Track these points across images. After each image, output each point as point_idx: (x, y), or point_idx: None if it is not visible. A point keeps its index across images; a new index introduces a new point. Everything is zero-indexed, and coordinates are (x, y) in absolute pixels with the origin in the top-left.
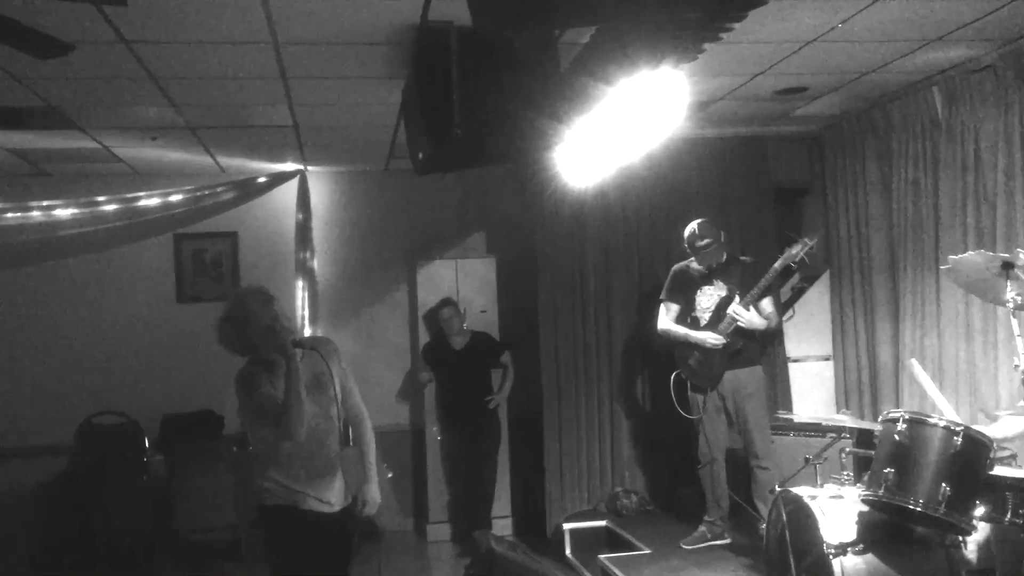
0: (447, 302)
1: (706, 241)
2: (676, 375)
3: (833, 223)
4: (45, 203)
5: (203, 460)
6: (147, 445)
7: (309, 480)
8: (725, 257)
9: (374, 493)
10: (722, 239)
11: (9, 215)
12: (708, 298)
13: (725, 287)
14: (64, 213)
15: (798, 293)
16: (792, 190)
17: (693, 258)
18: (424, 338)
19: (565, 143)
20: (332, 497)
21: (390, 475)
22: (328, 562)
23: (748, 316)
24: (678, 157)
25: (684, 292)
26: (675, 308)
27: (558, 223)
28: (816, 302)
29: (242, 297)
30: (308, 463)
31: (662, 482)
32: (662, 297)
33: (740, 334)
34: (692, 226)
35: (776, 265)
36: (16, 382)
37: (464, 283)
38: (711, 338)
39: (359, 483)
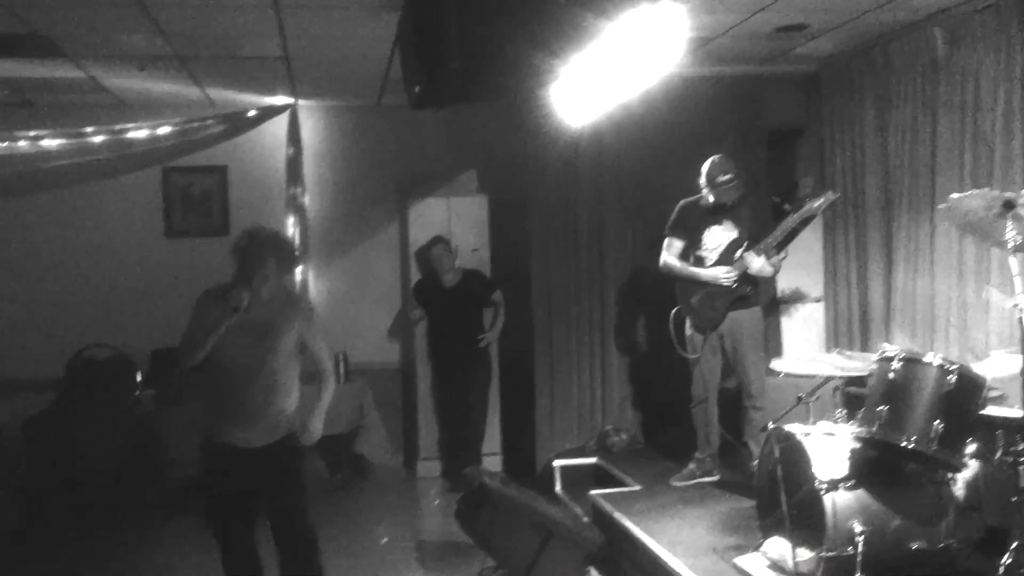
0: (438, 240)
1: (728, 176)
2: (676, 312)
3: (828, 165)
4: (32, 133)
5: (192, 395)
6: (138, 379)
7: (226, 414)
8: (739, 196)
9: (316, 425)
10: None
11: None
12: (715, 238)
13: (734, 228)
14: (51, 144)
15: (791, 235)
16: (787, 131)
17: (705, 194)
18: (415, 276)
19: (561, 80)
20: (251, 437)
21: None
22: (241, 493)
23: (759, 264)
24: (674, 96)
25: (689, 229)
26: (678, 244)
27: (551, 161)
28: (809, 244)
29: (269, 234)
30: (228, 399)
31: (653, 420)
32: (666, 232)
33: (745, 279)
34: (713, 160)
35: (795, 215)
36: (4, 314)
37: (456, 221)
38: (723, 273)
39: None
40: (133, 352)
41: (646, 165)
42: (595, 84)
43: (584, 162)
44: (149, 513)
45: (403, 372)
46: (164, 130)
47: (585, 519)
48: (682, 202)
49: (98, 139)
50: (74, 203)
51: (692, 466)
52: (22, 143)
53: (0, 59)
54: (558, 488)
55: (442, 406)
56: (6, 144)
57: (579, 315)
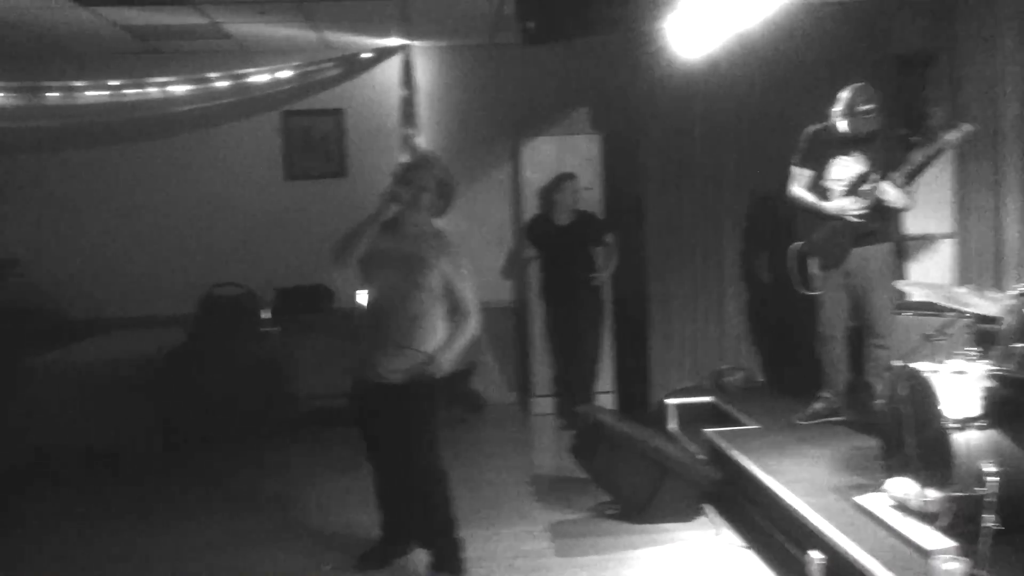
0: (570, 175)
1: (870, 107)
2: (797, 248)
3: (960, 93)
4: (161, 79)
5: (315, 331)
6: (263, 317)
7: (372, 350)
8: (875, 129)
9: (446, 357)
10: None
11: (127, 91)
12: (842, 169)
13: (864, 162)
14: (179, 89)
15: (921, 168)
16: (916, 57)
17: (839, 123)
18: (528, 215)
19: (676, 11)
20: (390, 372)
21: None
22: (380, 425)
23: (895, 195)
24: (796, 24)
25: (818, 158)
26: (807, 174)
27: (666, 96)
28: (937, 177)
29: (440, 165)
30: (374, 332)
31: (770, 359)
32: (794, 161)
33: (875, 213)
34: (856, 87)
35: (929, 148)
36: (136, 254)
37: (568, 160)
38: (852, 205)
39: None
40: (259, 290)
41: (766, 98)
42: (712, 15)
43: (700, 96)
44: (277, 441)
45: (516, 310)
46: (284, 74)
47: (700, 457)
48: (810, 129)
49: (222, 84)
50: (200, 148)
51: (817, 405)
52: (152, 89)
53: (127, 7)
54: (671, 426)
55: (555, 344)
56: (138, 91)
57: (694, 253)
